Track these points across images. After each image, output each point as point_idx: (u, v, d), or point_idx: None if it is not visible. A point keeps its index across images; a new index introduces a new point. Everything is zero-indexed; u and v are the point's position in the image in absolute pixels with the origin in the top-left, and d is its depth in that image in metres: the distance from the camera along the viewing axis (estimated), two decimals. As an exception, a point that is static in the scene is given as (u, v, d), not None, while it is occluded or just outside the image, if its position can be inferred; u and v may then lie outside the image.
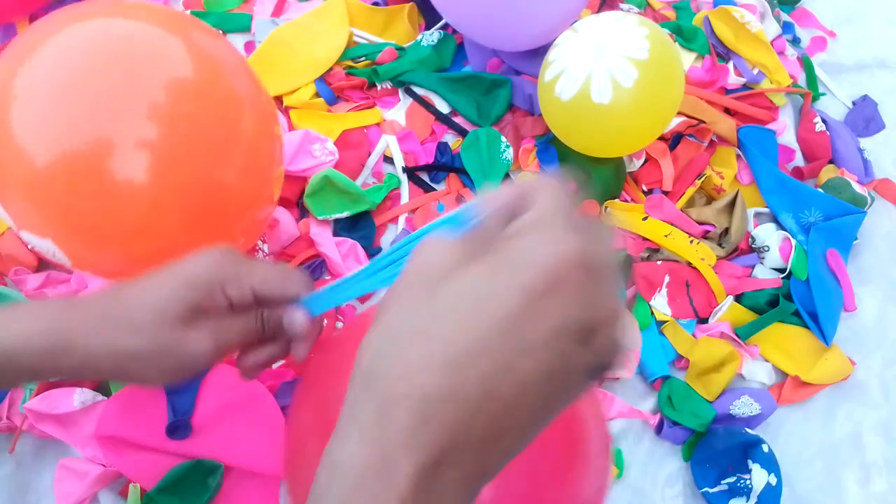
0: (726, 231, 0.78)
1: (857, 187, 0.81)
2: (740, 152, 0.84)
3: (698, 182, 0.81)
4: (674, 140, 0.83)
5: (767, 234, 0.78)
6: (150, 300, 0.33)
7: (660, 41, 0.67)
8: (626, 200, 0.80)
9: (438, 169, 0.79)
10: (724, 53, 0.93)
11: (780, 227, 0.81)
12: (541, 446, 0.22)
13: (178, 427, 0.61)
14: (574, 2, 0.77)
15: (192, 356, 0.34)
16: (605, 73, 0.66)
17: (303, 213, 0.76)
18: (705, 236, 0.78)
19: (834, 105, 0.95)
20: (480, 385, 0.18)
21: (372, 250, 0.74)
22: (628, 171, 0.80)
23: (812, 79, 0.94)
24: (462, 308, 0.19)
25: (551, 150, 0.81)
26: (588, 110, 0.68)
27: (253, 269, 0.37)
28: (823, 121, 0.89)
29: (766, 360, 0.73)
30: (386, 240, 0.76)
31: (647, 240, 0.76)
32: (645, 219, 0.77)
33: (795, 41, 0.99)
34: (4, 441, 0.63)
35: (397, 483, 0.17)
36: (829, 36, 1.02)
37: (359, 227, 0.75)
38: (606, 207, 0.78)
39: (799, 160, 0.88)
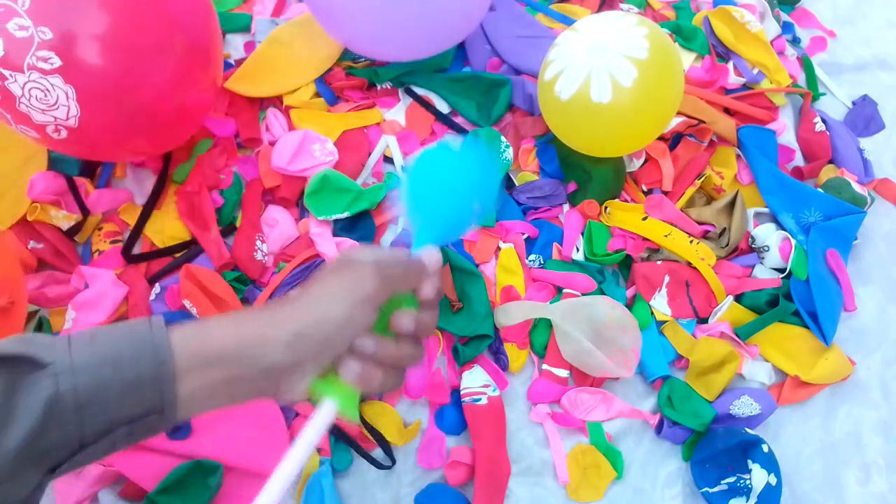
0: (725, 231, 0.77)
1: (856, 187, 0.81)
2: (740, 152, 0.84)
3: (698, 182, 0.80)
4: (674, 140, 0.83)
5: (767, 234, 0.78)
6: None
7: (659, 41, 0.67)
8: (626, 200, 0.80)
9: (438, 169, 0.79)
10: (724, 53, 0.93)
11: (780, 227, 0.81)
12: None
13: (178, 427, 0.61)
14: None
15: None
16: (604, 72, 0.66)
17: (303, 213, 0.76)
18: (705, 236, 0.78)
19: (834, 105, 0.95)
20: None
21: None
22: (628, 171, 0.80)
23: (812, 79, 0.94)
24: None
25: (551, 150, 0.81)
26: (587, 109, 0.68)
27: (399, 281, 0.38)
28: (823, 121, 0.89)
29: (766, 360, 0.73)
30: (386, 240, 0.76)
31: (647, 240, 0.76)
32: (645, 219, 0.77)
33: (795, 41, 0.99)
34: (4, 441, 0.63)
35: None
36: (829, 36, 1.02)
37: (358, 227, 0.75)
38: (606, 207, 0.78)
39: (799, 160, 0.87)
